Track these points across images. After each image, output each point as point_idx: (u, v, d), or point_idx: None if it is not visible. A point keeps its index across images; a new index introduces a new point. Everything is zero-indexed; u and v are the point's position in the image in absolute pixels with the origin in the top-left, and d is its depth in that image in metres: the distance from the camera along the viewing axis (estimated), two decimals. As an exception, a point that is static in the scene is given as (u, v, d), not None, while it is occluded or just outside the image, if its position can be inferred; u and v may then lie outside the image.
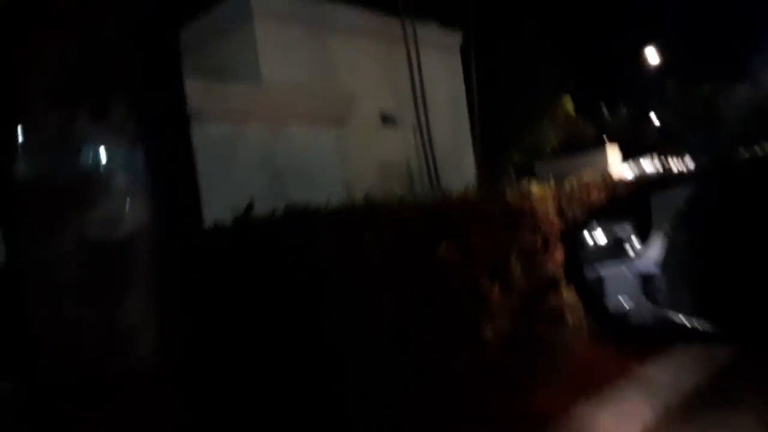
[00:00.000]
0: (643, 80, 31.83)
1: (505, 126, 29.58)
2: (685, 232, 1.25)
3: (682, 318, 1.16)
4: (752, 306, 0.99)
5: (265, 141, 6.72)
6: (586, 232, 1.53)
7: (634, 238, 1.50)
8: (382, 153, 11.78)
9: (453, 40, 13.74)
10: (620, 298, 1.34)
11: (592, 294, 1.39)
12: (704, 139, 25.98)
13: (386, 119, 11.86)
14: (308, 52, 10.62)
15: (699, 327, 1.12)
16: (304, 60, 10.50)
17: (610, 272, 1.42)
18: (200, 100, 5.88)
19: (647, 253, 1.36)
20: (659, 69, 31.07)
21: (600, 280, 1.40)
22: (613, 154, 11.40)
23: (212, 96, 6.23)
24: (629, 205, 1.60)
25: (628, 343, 4.10)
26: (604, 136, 27.96)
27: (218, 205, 3.70)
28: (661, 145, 26.80)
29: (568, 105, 31.39)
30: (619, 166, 11.15)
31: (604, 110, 31.45)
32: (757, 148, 22.09)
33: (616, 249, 1.53)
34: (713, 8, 35.19)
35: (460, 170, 13.34)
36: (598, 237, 1.58)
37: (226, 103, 6.23)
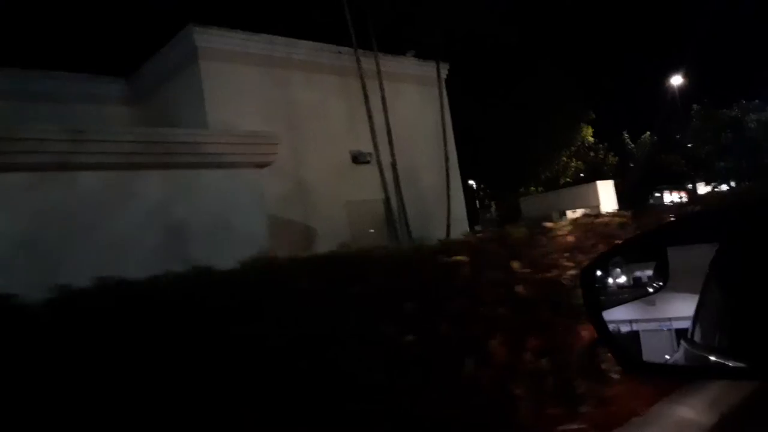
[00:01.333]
0: (668, 105, 30.52)
1: (519, 159, 28.83)
2: (721, 273, 1.23)
3: (714, 358, 1.20)
4: None
5: (158, 189, 6.01)
6: (603, 273, 1.51)
7: (654, 278, 1.51)
8: (353, 193, 11.03)
9: (433, 72, 12.99)
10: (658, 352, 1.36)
11: (612, 336, 1.37)
12: (735, 165, 24.42)
13: (357, 157, 11.13)
14: (266, 92, 10.06)
15: (731, 365, 1.14)
16: (261, 101, 9.93)
17: (643, 327, 1.43)
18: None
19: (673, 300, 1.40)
20: (685, 93, 29.80)
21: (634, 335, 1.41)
22: (604, 189, 10.38)
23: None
24: (649, 245, 1.56)
25: (654, 380, 3.96)
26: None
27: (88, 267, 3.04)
28: (689, 172, 25.34)
29: (588, 134, 30.33)
30: (611, 201, 10.12)
31: (627, 138, 30.15)
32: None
33: (637, 290, 1.53)
34: (739, 27, 33.80)
35: (445, 208, 12.45)
36: (617, 277, 1.58)
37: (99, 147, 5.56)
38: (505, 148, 28.63)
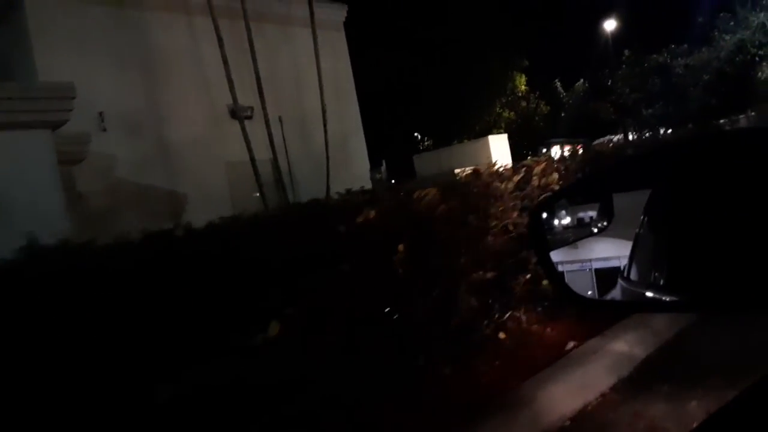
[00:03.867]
0: (600, 51, 29.99)
1: (452, 109, 27.93)
2: (659, 210, 1.28)
3: (650, 293, 1.25)
4: (726, 274, 1.05)
5: None
6: (549, 214, 1.51)
7: (597, 217, 1.57)
8: (234, 153, 9.84)
9: (330, 15, 11.73)
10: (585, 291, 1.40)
11: (559, 275, 1.39)
12: (662, 112, 24.11)
13: (237, 112, 9.91)
14: (116, 36, 8.66)
15: (667, 298, 1.20)
16: (109, 47, 8.55)
17: (567, 267, 1.49)
18: None
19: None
20: (619, 38, 29.21)
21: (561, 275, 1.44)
22: (498, 143, 9.66)
23: None
24: (591, 187, 1.54)
25: (592, 315, 4.23)
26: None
27: None
28: (618, 120, 24.95)
29: (521, 83, 29.57)
30: (505, 156, 9.39)
31: (558, 86, 29.54)
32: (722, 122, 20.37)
33: (581, 230, 1.59)
34: (671, -29, 33.28)
35: (349, 165, 11.42)
36: (563, 219, 1.64)
37: None
38: (439, 98, 27.68)
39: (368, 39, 24.15)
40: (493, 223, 4.71)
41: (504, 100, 28.37)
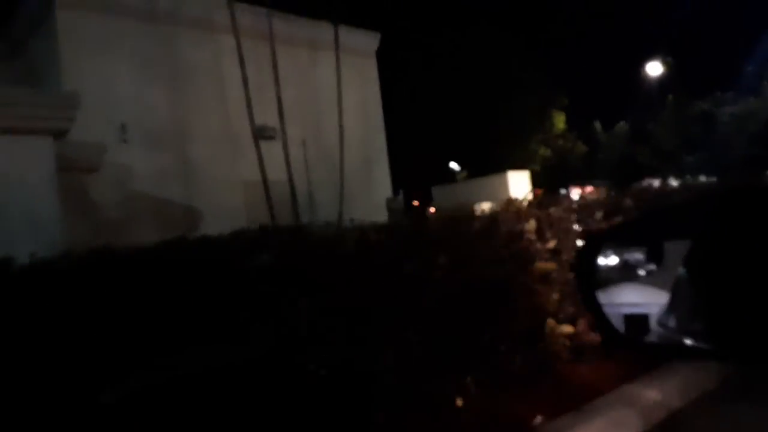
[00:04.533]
0: (643, 96, 29.46)
1: (489, 143, 27.71)
2: (697, 261, 1.30)
3: (689, 340, 1.27)
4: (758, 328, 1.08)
5: None
6: (596, 254, 1.52)
7: (645, 261, 1.61)
8: (253, 172, 9.80)
9: (361, 42, 11.74)
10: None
11: (603, 315, 1.39)
12: (703, 159, 23.40)
13: (260, 132, 9.90)
14: (144, 50, 8.78)
15: (706, 347, 1.24)
16: (137, 60, 8.66)
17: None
18: None
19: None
20: (661, 83, 28.66)
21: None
22: (517, 179, 9.38)
23: None
24: (638, 229, 1.59)
25: (635, 355, 4.20)
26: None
27: None
28: (657, 165, 24.31)
29: (560, 121, 29.19)
30: (524, 192, 9.11)
31: (598, 126, 29.02)
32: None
33: (626, 272, 1.62)
34: (719, 18, 32.65)
35: (370, 191, 11.30)
36: (608, 259, 1.64)
37: None
38: (477, 130, 27.52)
39: (407, 65, 24.36)
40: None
41: (541, 137, 27.99)
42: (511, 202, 5.58)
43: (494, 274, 4.24)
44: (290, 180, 9.09)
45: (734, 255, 1.17)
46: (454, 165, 29.76)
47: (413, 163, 24.92)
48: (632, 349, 2.89)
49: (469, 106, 26.84)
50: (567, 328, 4.72)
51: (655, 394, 4.28)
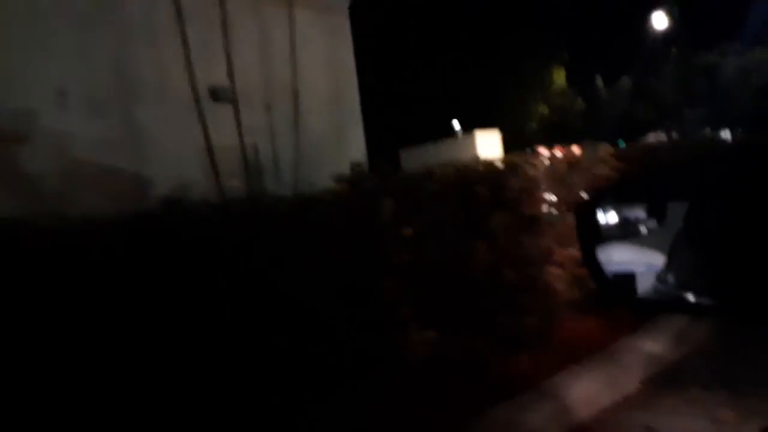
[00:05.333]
0: (647, 49, 28.35)
1: (484, 102, 26.86)
2: (701, 215, 1.31)
3: (689, 296, 1.29)
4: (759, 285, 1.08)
5: None
6: (596, 211, 1.54)
7: (646, 219, 1.63)
8: (212, 137, 9.27)
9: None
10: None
11: (603, 272, 1.41)
12: (707, 114, 22.54)
13: (218, 94, 9.32)
14: (80, 6, 8.15)
15: (704, 302, 1.24)
16: (69, 17, 8.04)
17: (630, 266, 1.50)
18: None
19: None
20: (666, 36, 27.49)
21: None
22: (486, 139, 8.83)
23: None
24: (642, 184, 1.56)
25: (629, 311, 4.27)
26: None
27: None
28: (658, 121, 23.47)
29: (560, 77, 28.20)
30: (494, 153, 8.58)
31: (599, 82, 28.04)
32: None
33: (626, 228, 1.64)
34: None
35: (341, 156, 10.73)
36: (609, 216, 1.64)
37: None
38: (474, 90, 26.68)
39: (396, 23, 23.46)
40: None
41: (539, 95, 27.08)
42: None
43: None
44: (241, 145, 8.58)
45: (737, 211, 1.15)
46: (455, 124, 29.02)
47: (408, 125, 24.27)
48: (630, 306, 2.88)
49: (466, 64, 25.95)
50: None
51: (651, 346, 4.37)
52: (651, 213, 1.63)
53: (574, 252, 5.50)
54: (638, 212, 1.68)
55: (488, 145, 8.98)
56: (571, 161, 6.28)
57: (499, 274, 4.50)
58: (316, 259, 3.51)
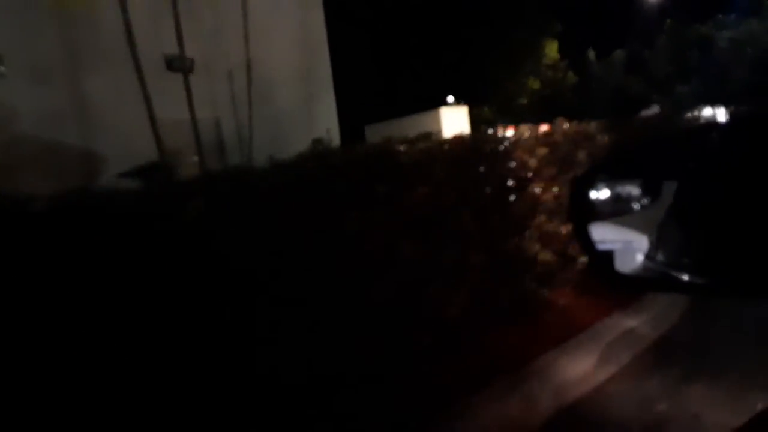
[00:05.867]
0: (641, 21, 27.69)
1: (473, 75, 26.17)
2: (693, 190, 1.29)
3: (679, 274, 1.27)
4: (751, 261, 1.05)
5: None
6: (589, 187, 1.51)
7: (640, 195, 1.63)
8: (169, 109, 8.75)
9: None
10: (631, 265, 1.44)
11: (594, 249, 1.41)
12: (700, 89, 21.97)
13: (175, 63, 8.79)
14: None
15: (696, 281, 1.20)
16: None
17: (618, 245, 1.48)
18: None
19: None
20: (661, 8, 26.80)
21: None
22: (452, 116, 8.35)
23: None
24: (636, 159, 1.54)
25: (620, 289, 4.42)
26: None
27: None
28: (649, 95, 22.90)
29: (552, 50, 27.47)
30: (461, 129, 8.16)
31: (591, 55, 27.36)
32: None
33: (618, 205, 1.63)
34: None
35: (312, 130, 10.26)
36: (601, 192, 1.62)
37: None
38: (464, 61, 26.00)
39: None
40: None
41: (530, 67, 26.36)
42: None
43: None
44: (193, 119, 8.09)
45: (727, 187, 1.12)
46: (450, 99, 28.39)
47: (395, 97, 23.65)
48: (620, 284, 2.83)
49: (454, 35, 25.22)
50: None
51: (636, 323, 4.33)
52: (645, 190, 1.60)
53: (553, 226, 5.28)
54: (632, 188, 1.64)
55: (454, 121, 8.52)
56: (544, 139, 5.87)
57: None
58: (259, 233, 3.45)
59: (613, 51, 28.11)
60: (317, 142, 6.18)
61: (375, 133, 10.37)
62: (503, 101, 25.84)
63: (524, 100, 25.90)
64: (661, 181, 1.47)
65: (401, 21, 24.24)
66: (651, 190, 1.56)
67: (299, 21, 10.53)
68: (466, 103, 28.03)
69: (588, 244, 1.35)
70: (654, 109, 21.68)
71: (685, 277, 1.23)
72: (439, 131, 7.70)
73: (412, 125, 8.05)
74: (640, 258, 1.41)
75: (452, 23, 25.60)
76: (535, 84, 26.25)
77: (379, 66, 24.73)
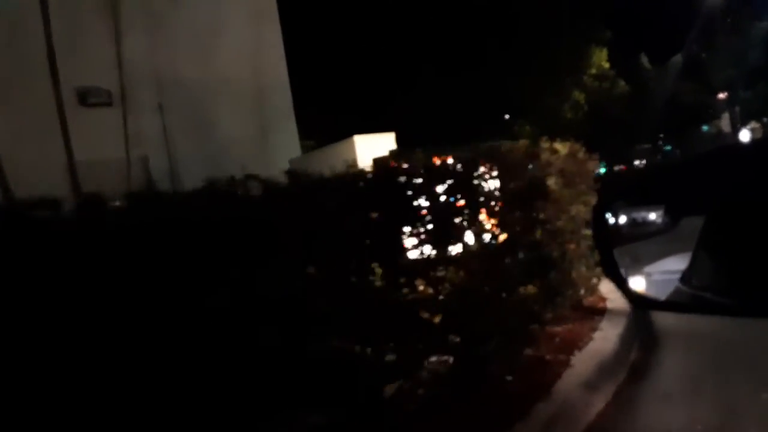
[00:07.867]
0: (701, 23, 24.94)
1: (515, 90, 24.23)
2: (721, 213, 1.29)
3: (710, 295, 1.28)
4: None
5: None
6: (610, 212, 1.51)
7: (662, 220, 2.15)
8: (85, 149, 7.79)
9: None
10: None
11: (620, 273, 1.38)
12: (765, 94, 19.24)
13: (88, 97, 7.83)
14: None
15: (729, 303, 1.21)
16: None
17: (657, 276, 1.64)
18: None
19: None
20: (729, 7, 24.02)
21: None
22: (369, 144, 7.00)
23: None
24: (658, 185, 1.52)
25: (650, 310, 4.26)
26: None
27: None
28: (705, 104, 20.27)
29: (601, 58, 25.12)
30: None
31: (645, 61, 24.77)
32: None
33: (637, 229, 2.45)
34: None
35: (267, 162, 9.07)
36: (619, 218, 1.71)
37: None
38: (502, 74, 24.23)
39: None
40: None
41: (574, 79, 24.04)
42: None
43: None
44: (127, 155, 7.19)
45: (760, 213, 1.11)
46: (506, 116, 26.69)
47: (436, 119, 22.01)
48: (654, 309, 2.82)
49: (491, 46, 23.48)
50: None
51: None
52: (667, 214, 1.74)
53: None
54: (650, 213, 2.31)
55: (374, 149, 7.15)
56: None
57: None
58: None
59: (668, 56, 25.47)
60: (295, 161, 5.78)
61: (297, 164, 9.11)
62: (545, 116, 23.79)
63: (568, 114, 23.75)
64: (681, 204, 1.53)
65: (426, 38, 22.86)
66: (673, 214, 1.69)
67: (250, 38, 9.37)
68: (508, 116, 26.18)
69: (614, 271, 1.32)
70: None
71: (720, 299, 1.23)
72: (355, 160, 6.36)
73: (327, 156, 6.72)
74: (673, 282, 1.42)
75: (487, 32, 23.94)
76: (580, 97, 24.02)
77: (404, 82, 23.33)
